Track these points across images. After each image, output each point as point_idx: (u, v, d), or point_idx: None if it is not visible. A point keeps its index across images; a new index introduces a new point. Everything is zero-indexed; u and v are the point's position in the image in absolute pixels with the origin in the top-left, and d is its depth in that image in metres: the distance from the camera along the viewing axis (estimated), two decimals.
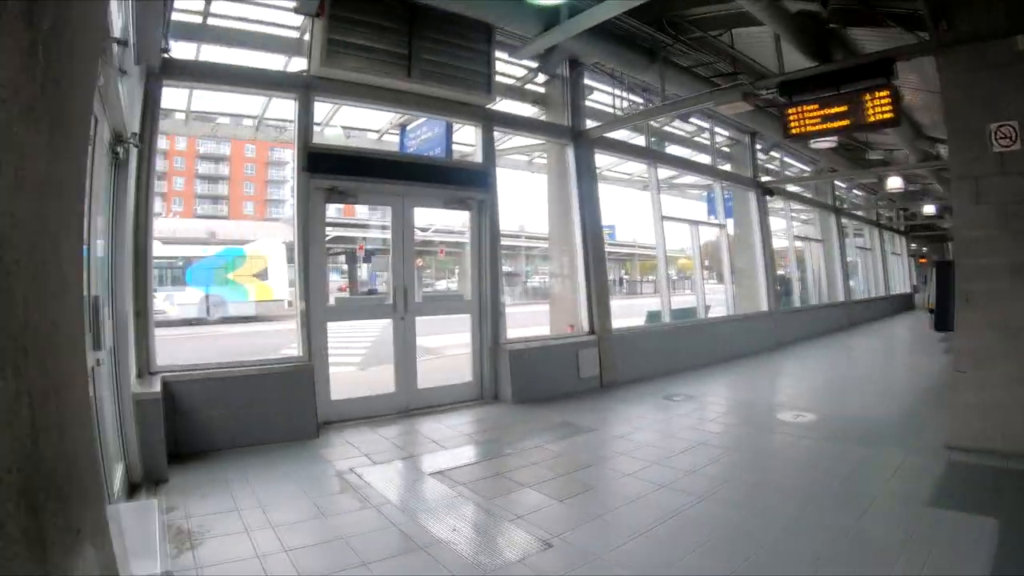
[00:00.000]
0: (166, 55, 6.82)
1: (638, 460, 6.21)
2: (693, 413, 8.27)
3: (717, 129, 15.35)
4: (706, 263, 21.06)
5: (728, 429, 7.49)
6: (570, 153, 10.68)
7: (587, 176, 10.70)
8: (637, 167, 14.68)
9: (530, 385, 9.16)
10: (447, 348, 13.63)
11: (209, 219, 54.82)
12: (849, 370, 12.20)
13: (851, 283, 23.02)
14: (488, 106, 9.45)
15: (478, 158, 9.53)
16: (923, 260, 37.38)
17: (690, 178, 16.51)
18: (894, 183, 16.87)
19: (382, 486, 5.59)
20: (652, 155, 12.73)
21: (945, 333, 7.32)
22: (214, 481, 5.69)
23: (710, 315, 14.20)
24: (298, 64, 8.21)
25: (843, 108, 7.41)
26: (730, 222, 15.83)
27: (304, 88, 7.84)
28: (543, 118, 10.91)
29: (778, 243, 17.65)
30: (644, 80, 11.07)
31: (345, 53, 7.67)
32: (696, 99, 9.50)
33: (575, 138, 10.64)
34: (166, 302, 24.62)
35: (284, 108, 8.77)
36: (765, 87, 8.52)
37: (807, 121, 7.70)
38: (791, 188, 19.19)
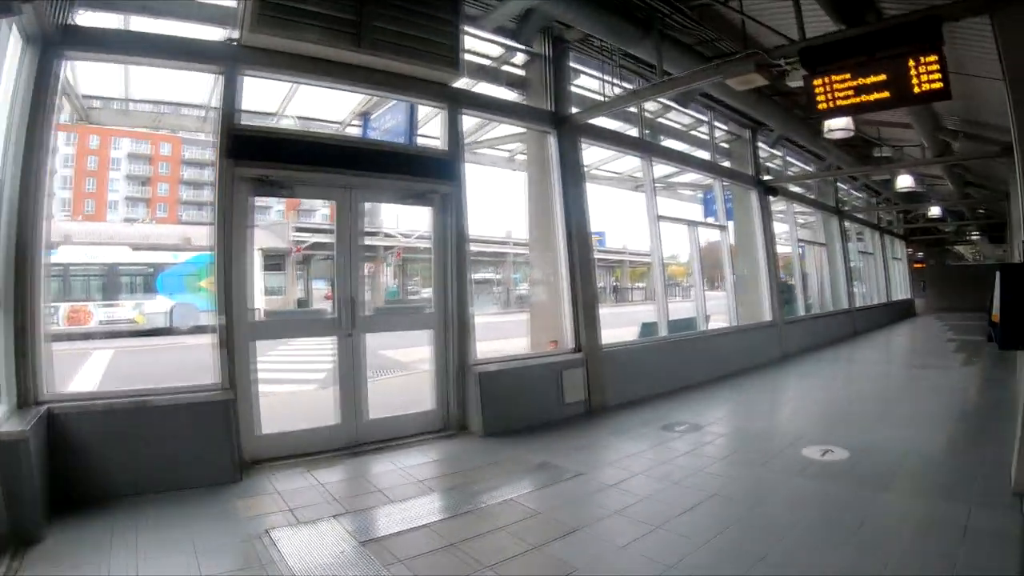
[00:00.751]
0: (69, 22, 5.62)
1: (635, 523, 4.79)
2: (699, 449, 6.87)
3: (716, 123, 14.04)
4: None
5: (745, 472, 6.06)
6: (552, 143, 9.31)
7: (572, 169, 9.34)
8: (628, 164, 13.32)
9: (504, 413, 7.75)
10: (423, 362, 12.08)
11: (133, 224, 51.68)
12: (868, 388, 10.77)
13: (855, 289, 21.82)
14: (455, 84, 8.03)
15: (444, 145, 8.09)
16: (919, 265, 36.44)
17: (686, 177, 15.13)
18: (904, 182, 15.58)
19: (296, 561, 4.22)
20: (646, 148, 11.37)
21: (1007, 352, 6.01)
22: (97, 545, 4.41)
23: (710, 326, 12.82)
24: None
25: (882, 77, 6.00)
26: (730, 225, 14.50)
27: (230, 60, 6.48)
28: (524, 103, 9.52)
29: (781, 248, 16.48)
30: (638, 66, 10.00)
31: (279, 18, 6.29)
32: (702, 72, 8.00)
33: (558, 125, 9.29)
34: (135, 311, 24.16)
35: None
36: (783, 55, 7.11)
37: (837, 94, 6.26)
38: (794, 188, 17.84)
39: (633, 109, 11.16)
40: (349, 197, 7.24)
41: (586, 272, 9.19)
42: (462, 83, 8.37)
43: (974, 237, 34.08)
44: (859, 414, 8.52)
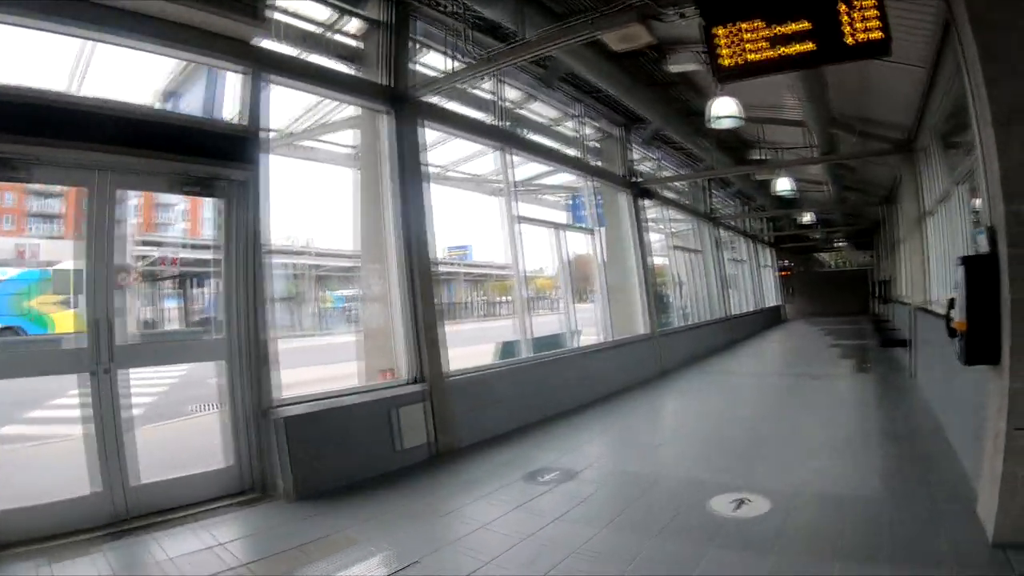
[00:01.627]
0: None
1: None
2: (575, 510, 5.32)
3: (586, 118, 12.81)
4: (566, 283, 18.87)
5: (639, 545, 4.52)
6: (387, 126, 7.73)
7: (411, 160, 7.79)
8: (489, 166, 12.03)
9: (321, 468, 6.08)
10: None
11: None
12: (766, 406, 9.69)
13: (730, 297, 21.31)
14: (257, 41, 6.26)
15: (244, 120, 6.28)
16: (785, 273, 37.08)
17: (555, 179, 13.81)
18: (783, 185, 14.89)
19: None
20: (504, 137, 9.95)
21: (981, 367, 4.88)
22: None
23: (581, 342, 11.63)
24: None
25: (805, 25, 4.76)
26: (601, 232, 13.38)
27: None
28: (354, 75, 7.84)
29: (655, 258, 15.57)
30: (496, 40, 8.42)
31: None
32: (571, 29, 6.58)
33: (395, 104, 7.71)
34: None
35: None
36: (672, 2, 5.79)
37: (747, 46, 4.97)
38: (668, 195, 16.99)
39: (490, 96, 9.85)
40: (106, 183, 5.35)
41: (426, 287, 7.66)
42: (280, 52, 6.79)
43: (840, 244, 34.88)
44: (765, 441, 7.30)
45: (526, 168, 12.36)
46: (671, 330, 15.10)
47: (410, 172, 7.74)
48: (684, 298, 17.87)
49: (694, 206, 19.04)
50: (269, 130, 6.58)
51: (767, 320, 27.41)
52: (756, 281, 26.68)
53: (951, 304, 4.77)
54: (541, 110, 12.00)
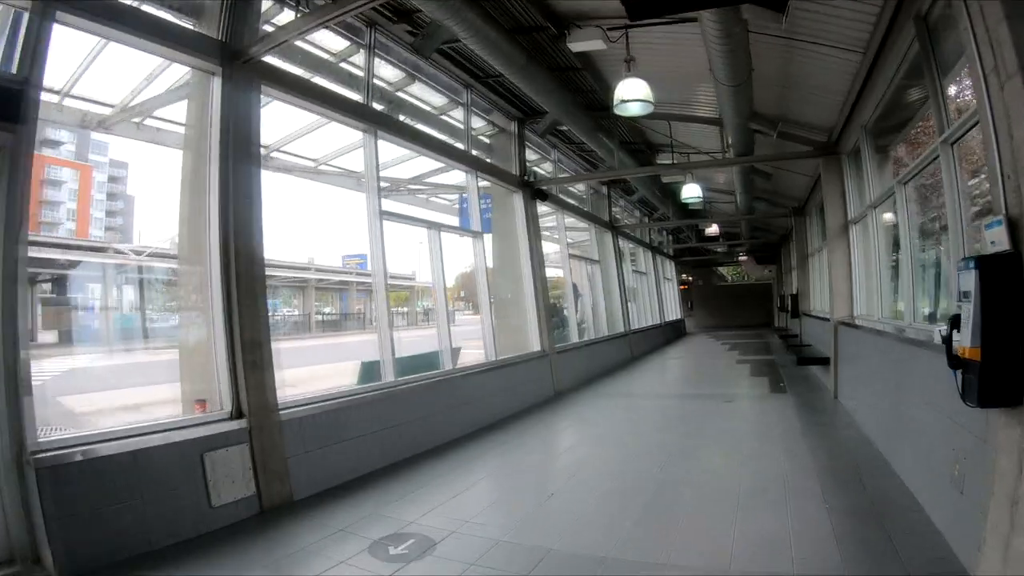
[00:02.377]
0: None
1: None
2: None
3: (475, 110, 11.61)
4: (461, 293, 17.38)
5: None
6: (217, 89, 6.10)
7: (242, 133, 6.18)
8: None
9: (104, 532, 4.50)
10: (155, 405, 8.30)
11: None
12: (676, 440, 8.03)
13: (631, 310, 20.33)
14: None
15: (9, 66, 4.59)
16: (684, 287, 37.04)
17: (447, 178, 12.54)
18: (692, 191, 13.85)
19: None
20: (372, 117, 8.39)
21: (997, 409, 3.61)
22: None
23: (461, 362, 10.26)
24: None
25: None
26: (489, 238, 12.12)
27: None
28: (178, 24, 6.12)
29: (552, 270, 14.42)
30: None
31: None
32: None
33: (229, 62, 6.11)
34: None
35: None
36: None
37: None
38: (568, 200, 15.82)
39: (359, 71, 8.42)
40: None
41: (250, 296, 6.02)
42: None
43: (742, 258, 34.75)
44: (680, 490, 5.87)
45: (415, 164, 11.37)
46: (568, 347, 13.90)
47: (238, 147, 6.11)
48: (583, 312, 16.73)
49: (595, 214, 17.96)
50: (42, 81, 4.86)
51: (669, 334, 26.77)
52: (658, 294, 25.90)
53: (953, 323, 3.51)
54: (426, 96, 10.62)
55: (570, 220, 16.35)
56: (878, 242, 8.68)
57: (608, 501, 5.71)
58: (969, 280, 3.27)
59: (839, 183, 10.24)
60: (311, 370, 13.07)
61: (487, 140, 12.68)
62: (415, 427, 7.80)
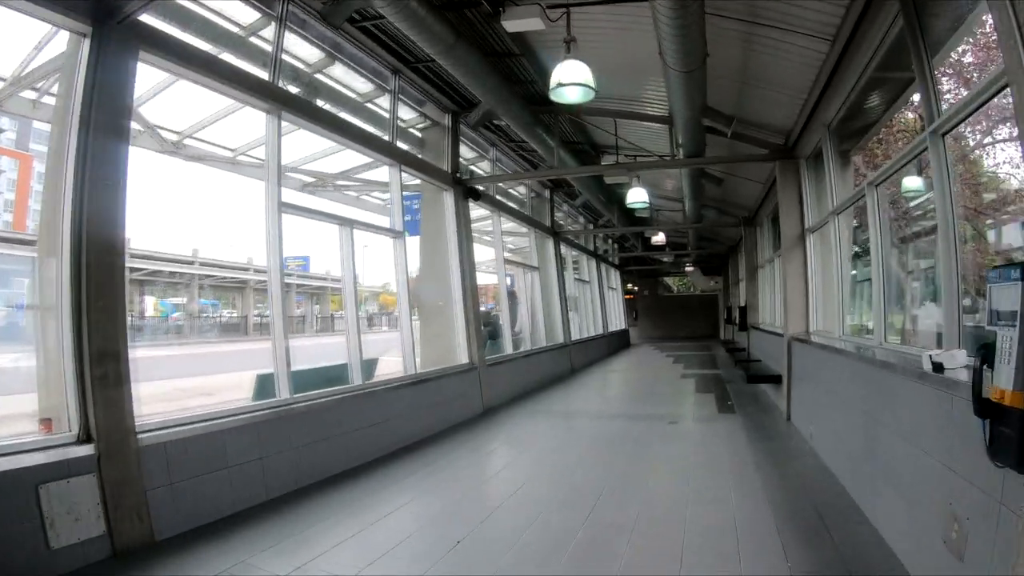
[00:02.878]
0: None
1: None
2: None
3: (404, 99, 10.63)
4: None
5: None
6: (85, 52, 5.05)
7: (110, 107, 5.14)
8: (303, 150, 9.94)
9: None
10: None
11: None
12: (613, 473, 6.94)
13: (573, 320, 19.58)
14: None
15: None
16: (630, 296, 36.72)
17: (374, 174, 11.57)
18: (637, 195, 13.06)
19: None
20: (277, 97, 7.34)
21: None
22: None
23: (380, 375, 9.34)
24: None
25: None
26: (409, 238, 11.26)
27: None
28: None
29: (485, 277, 13.64)
30: None
31: None
32: None
33: (101, 21, 5.04)
34: None
35: None
36: None
37: None
38: (505, 200, 15.00)
39: (267, 44, 7.41)
40: None
41: (105, 296, 4.97)
42: None
43: (689, 269, 34.39)
44: (616, 544, 4.82)
45: (343, 159, 10.67)
46: (502, 359, 13.01)
47: (104, 120, 5.05)
48: (520, 321, 15.92)
49: (537, 219, 17.18)
50: None
51: (612, 345, 26.13)
52: (602, 303, 25.22)
53: (985, 355, 2.64)
54: (349, 80, 9.67)
55: (509, 225, 15.55)
56: (840, 252, 8.01)
57: (526, 555, 4.69)
58: (1011, 296, 2.40)
59: (796, 189, 9.60)
60: (211, 381, 11.99)
61: (419, 134, 11.76)
62: (315, 451, 6.81)
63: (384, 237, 9.77)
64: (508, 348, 13.83)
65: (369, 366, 9.35)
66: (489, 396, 11.43)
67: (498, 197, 14.45)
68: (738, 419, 9.76)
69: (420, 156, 11.11)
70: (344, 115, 9.16)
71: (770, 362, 12.25)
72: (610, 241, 29.33)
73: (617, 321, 29.98)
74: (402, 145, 10.43)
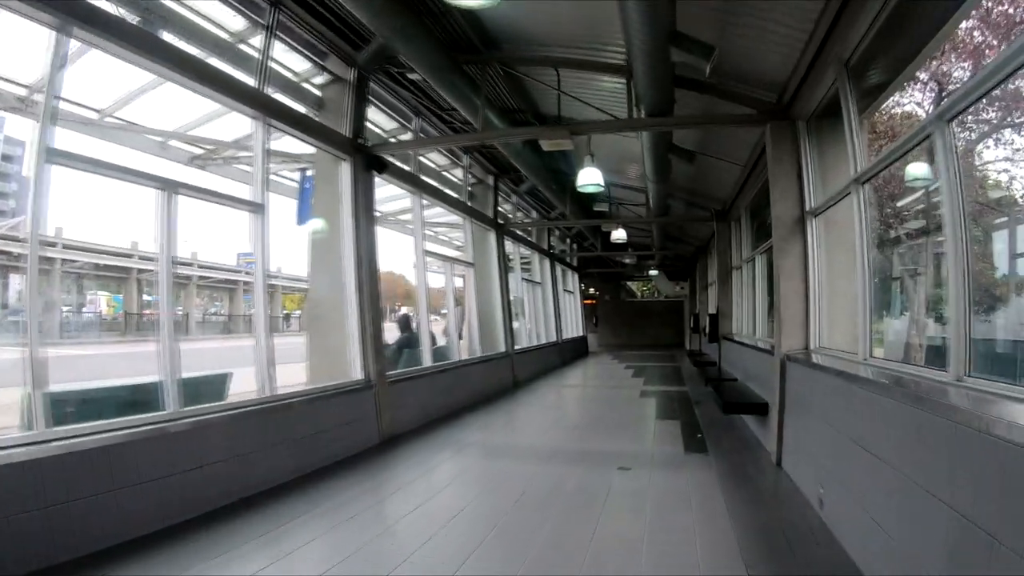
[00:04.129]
0: None
1: None
2: None
3: (292, 43, 8.23)
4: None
5: None
6: None
7: None
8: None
9: None
10: None
11: None
12: (540, 557, 4.68)
13: (517, 325, 17.30)
14: None
15: None
16: (591, 301, 34.95)
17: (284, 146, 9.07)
18: (591, 177, 10.57)
19: None
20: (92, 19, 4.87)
21: None
22: None
23: (234, 397, 6.95)
24: None
25: None
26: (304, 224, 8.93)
27: None
28: None
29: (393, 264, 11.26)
30: None
31: None
32: None
33: None
34: None
35: None
36: None
37: None
38: (434, 182, 12.59)
39: None
40: None
41: None
42: None
43: (653, 273, 32.10)
44: None
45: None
46: (413, 373, 10.51)
47: None
48: (448, 327, 13.35)
49: (476, 208, 14.75)
50: None
51: (567, 354, 23.77)
52: (556, 308, 22.82)
53: None
54: (209, 10, 7.18)
55: (454, 217, 13.05)
56: (864, 236, 5.63)
57: None
58: None
59: (793, 160, 7.24)
60: None
61: (318, 92, 9.33)
62: (115, 501, 4.60)
63: (241, 212, 7.27)
64: (426, 359, 11.30)
65: (212, 384, 6.97)
66: (391, 422, 8.96)
67: (424, 178, 12.02)
68: (711, 463, 7.33)
69: (302, 111, 8.59)
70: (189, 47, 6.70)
71: (752, 384, 9.92)
72: (568, 241, 27.01)
73: (574, 327, 27.67)
74: (282, 98, 8.03)
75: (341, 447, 7.79)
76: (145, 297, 21.77)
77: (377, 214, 9.78)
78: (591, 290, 36.55)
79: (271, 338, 7.29)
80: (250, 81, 7.39)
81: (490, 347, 14.80)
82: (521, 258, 19.94)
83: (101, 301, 22.67)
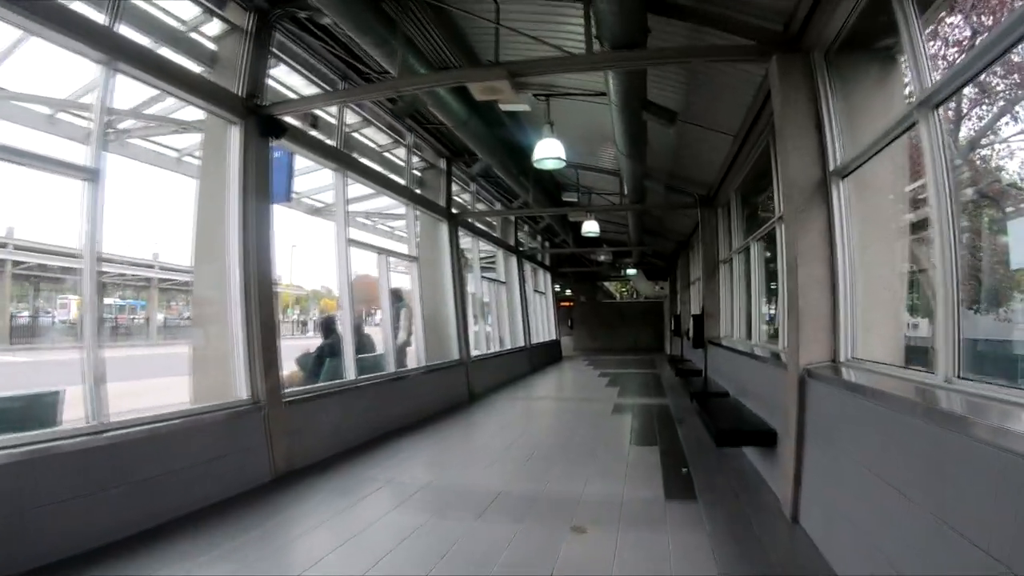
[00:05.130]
0: None
1: None
2: None
3: None
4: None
5: None
6: None
7: None
8: None
9: None
10: None
11: None
12: None
13: (475, 329, 15.55)
14: None
15: None
16: (567, 304, 33.33)
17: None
18: (548, 149, 8.66)
19: None
20: None
21: None
22: None
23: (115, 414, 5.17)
24: None
25: None
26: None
27: None
28: None
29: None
30: None
31: None
32: None
33: None
34: None
35: None
36: None
37: None
38: (370, 161, 10.76)
39: None
40: None
41: None
42: None
43: (630, 272, 30.16)
44: None
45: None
46: (327, 389, 8.46)
47: None
48: (384, 331, 11.20)
49: (425, 193, 12.83)
50: None
51: (537, 360, 21.80)
52: (524, 309, 20.84)
53: None
54: None
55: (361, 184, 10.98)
56: (947, 189, 3.67)
57: None
58: None
59: (809, 103, 5.36)
60: None
61: (212, 45, 7.40)
62: None
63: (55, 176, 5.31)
64: (349, 371, 9.25)
65: (31, 407, 5.15)
66: (288, 454, 7.05)
67: (357, 156, 10.11)
68: (700, 516, 5.41)
69: (175, 60, 6.64)
70: None
71: (748, 401, 7.99)
72: (539, 238, 25.09)
73: (545, 331, 25.79)
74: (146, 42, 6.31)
75: (214, 488, 5.91)
76: None
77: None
78: (568, 292, 34.92)
79: (101, 349, 5.33)
80: (99, 18, 5.50)
81: (440, 354, 12.82)
82: (483, 254, 18.01)
83: None
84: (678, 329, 18.62)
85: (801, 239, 5.16)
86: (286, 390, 7.41)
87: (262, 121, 7.29)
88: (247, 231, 6.99)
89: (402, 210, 12.37)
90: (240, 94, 7.11)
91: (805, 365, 4.97)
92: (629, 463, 7.57)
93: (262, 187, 7.33)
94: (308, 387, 8.21)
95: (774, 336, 8.81)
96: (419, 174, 13.24)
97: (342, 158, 9.43)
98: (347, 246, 9.38)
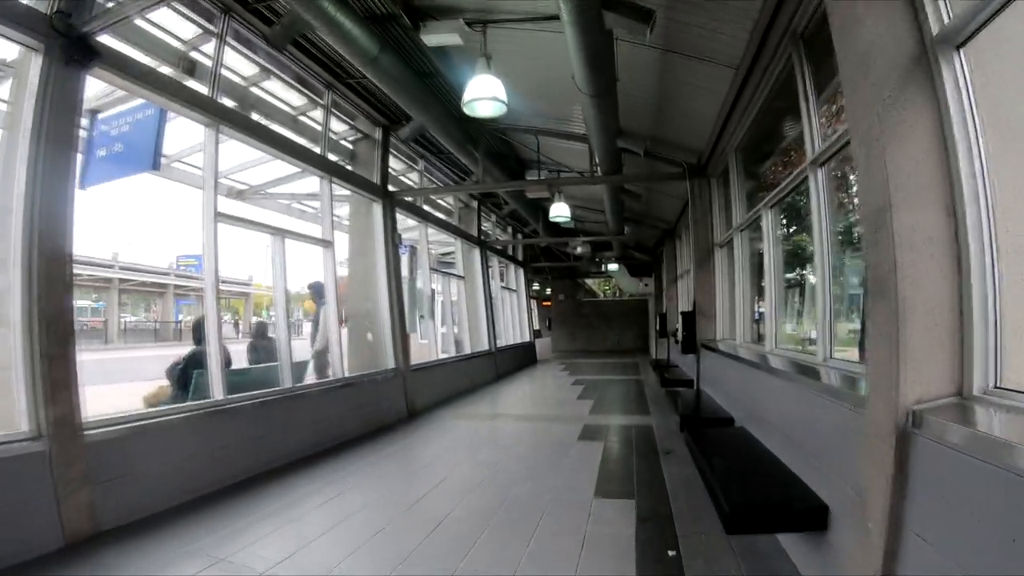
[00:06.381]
0: None
1: None
2: None
3: None
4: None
5: None
6: None
7: None
8: None
9: None
10: None
11: None
12: None
13: (428, 331, 13.84)
14: None
15: None
16: (547, 303, 31.40)
17: None
18: (484, 88, 6.39)
19: None
20: None
21: None
22: None
23: None
24: None
25: None
26: None
27: None
28: None
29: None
30: None
31: None
32: None
33: None
34: None
35: None
36: None
37: None
38: (279, 127, 8.68)
39: None
40: None
41: None
42: None
43: (612, 267, 27.91)
44: None
45: None
46: (168, 412, 6.04)
47: None
48: (278, 335, 8.70)
49: (357, 170, 10.61)
50: None
51: (505, 365, 19.51)
52: (488, 309, 18.47)
53: None
54: None
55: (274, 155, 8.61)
56: None
57: None
58: None
59: None
60: None
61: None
62: None
63: None
64: (216, 390, 6.81)
65: None
66: (91, 513, 4.91)
67: (258, 118, 7.89)
68: None
69: None
70: None
71: (762, 432, 5.62)
72: (510, 229, 22.81)
73: (517, 332, 23.62)
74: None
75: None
76: None
77: None
78: (547, 290, 33.23)
79: None
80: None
81: (372, 362, 10.48)
82: (445, 248, 15.76)
83: None
84: (664, 329, 16.50)
85: (896, 157, 2.76)
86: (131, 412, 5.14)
87: (69, 44, 5.01)
88: (35, 191, 4.71)
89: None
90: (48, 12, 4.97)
91: (912, 405, 2.59)
92: (587, 535, 5.09)
93: (64, 133, 5.05)
94: (133, 413, 5.79)
95: (802, 342, 6.39)
96: (351, 146, 10.91)
97: (211, 108, 7.03)
98: (214, 221, 6.98)
